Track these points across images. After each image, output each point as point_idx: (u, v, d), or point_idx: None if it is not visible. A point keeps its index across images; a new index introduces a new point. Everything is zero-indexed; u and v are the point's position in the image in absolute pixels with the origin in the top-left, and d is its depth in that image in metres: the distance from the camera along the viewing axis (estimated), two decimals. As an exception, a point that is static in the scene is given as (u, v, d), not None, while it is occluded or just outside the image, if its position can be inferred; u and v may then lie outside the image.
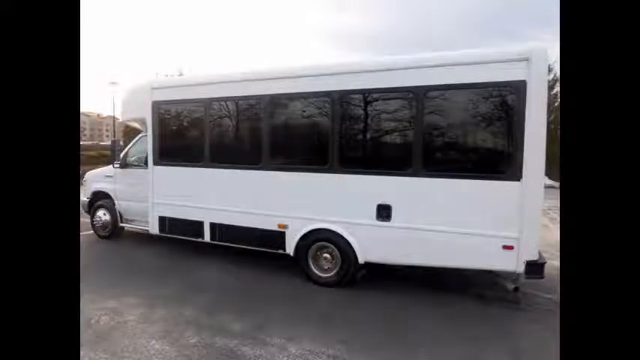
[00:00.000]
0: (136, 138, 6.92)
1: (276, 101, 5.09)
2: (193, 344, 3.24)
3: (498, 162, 4.05)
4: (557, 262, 4.80)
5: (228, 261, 5.72)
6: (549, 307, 4.16)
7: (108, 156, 8.52)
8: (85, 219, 6.87)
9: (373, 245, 4.56)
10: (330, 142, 4.66)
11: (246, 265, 5.50)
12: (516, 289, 4.32)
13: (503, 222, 3.88)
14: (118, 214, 6.92)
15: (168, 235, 6.11)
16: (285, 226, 5.03)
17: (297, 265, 4.98)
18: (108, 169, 7.08)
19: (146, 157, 6.30)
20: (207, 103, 5.57)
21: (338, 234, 4.68)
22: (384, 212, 4.41)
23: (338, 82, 4.64)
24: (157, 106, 6.04)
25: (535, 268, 3.80)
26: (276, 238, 5.08)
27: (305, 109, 5.06)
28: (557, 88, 20.23)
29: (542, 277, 3.80)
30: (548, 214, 9.84)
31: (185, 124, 6.08)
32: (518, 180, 3.78)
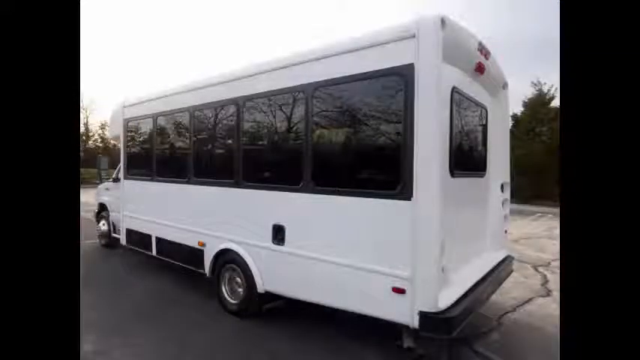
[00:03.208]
0: None
1: (196, 113, 4.88)
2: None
3: (387, 174, 3.07)
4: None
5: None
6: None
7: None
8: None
9: (271, 272, 3.84)
10: (235, 154, 4.22)
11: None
12: (410, 349, 3.00)
13: (393, 255, 2.89)
14: (112, 225, 7.19)
15: (133, 247, 6.20)
16: (203, 244, 4.60)
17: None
18: (109, 183, 7.38)
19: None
20: (155, 118, 5.70)
21: (240, 256, 4.06)
22: (279, 234, 3.69)
23: (238, 89, 4.19)
24: (126, 123, 6.35)
25: (433, 322, 2.69)
26: (198, 256, 4.68)
27: (215, 119, 4.74)
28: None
29: (448, 335, 2.71)
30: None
31: (142, 139, 6.26)
32: (409, 199, 2.77)
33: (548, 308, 4.54)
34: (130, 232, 6.20)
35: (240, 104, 4.15)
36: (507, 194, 4.47)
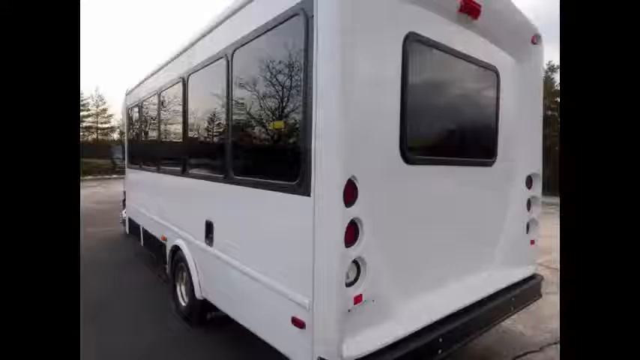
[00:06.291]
0: None
1: (144, 103, 4.85)
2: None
3: (287, 159, 2.31)
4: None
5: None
6: None
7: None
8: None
9: (206, 277, 3.31)
10: (180, 141, 3.80)
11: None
12: None
13: (293, 273, 2.18)
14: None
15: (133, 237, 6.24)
16: (165, 239, 4.19)
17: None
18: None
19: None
20: (135, 106, 5.75)
21: (184, 254, 3.58)
22: (210, 233, 3.13)
23: (188, 63, 3.66)
24: (126, 110, 6.43)
25: None
26: (162, 251, 4.29)
27: (161, 105, 4.46)
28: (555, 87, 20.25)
29: None
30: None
31: (131, 128, 6.29)
32: (308, 194, 2.01)
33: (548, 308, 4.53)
34: (130, 221, 6.21)
35: (185, 80, 3.72)
36: (537, 190, 3.35)
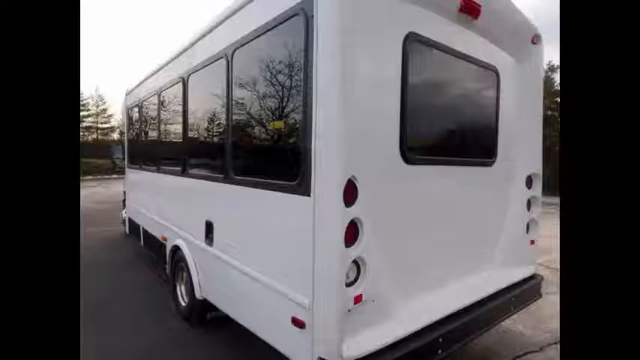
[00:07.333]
0: None
1: (144, 103, 4.88)
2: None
3: (287, 160, 2.31)
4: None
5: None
6: None
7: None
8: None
9: (206, 277, 3.34)
10: (181, 141, 3.84)
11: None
12: None
13: (293, 273, 2.19)
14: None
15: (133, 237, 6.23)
16: (165, 239, 4.24)
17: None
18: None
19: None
20: (135, 106, 5.75)
21: (184, 254, 3.62)
22: (209, 233, 3.16)
23: (188, 63, 3.73)
24: (127, 110, 6.44)
25: None
26: (162, 251, 4.34)
27: (162, 104, 4.54)
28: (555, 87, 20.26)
29: None
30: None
31: (132, 128, 6.33)
32: (308, 194, 2.02)
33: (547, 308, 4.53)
34: (130, 221, 6.23)
35: (185, 80, 3.79)
36: (537, 190, 3.36)
